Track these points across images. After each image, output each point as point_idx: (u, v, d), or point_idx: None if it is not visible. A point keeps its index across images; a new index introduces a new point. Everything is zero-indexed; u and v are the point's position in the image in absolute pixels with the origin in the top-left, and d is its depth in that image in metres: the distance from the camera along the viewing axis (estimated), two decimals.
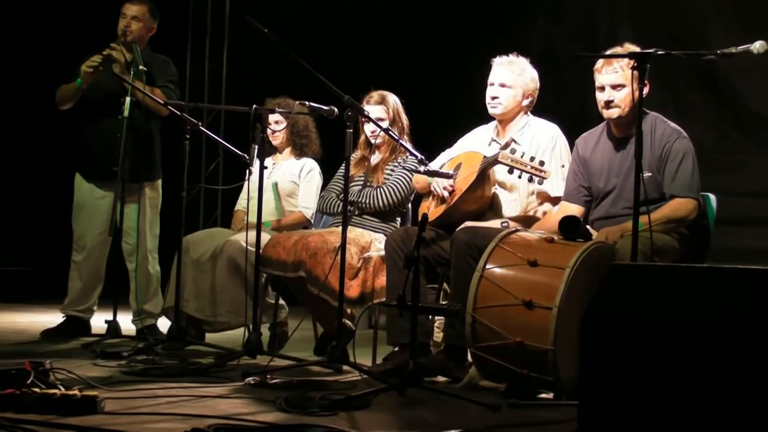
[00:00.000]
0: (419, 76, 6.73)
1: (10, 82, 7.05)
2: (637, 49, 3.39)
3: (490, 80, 4.03)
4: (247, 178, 4.39)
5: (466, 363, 3.66)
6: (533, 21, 6.61)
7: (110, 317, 4.63)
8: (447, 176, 3.92)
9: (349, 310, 4.42)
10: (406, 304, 3.19)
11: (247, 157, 4.28)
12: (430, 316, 3.97)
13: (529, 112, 4.08)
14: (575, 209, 3.81)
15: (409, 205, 4.56)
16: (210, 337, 4.58)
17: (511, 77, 3.99)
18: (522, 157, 3.65)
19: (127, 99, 4.47)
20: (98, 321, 4.82)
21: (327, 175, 4.85)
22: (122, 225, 4.67)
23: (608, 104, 3.66)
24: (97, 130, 4.74)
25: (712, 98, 5.75)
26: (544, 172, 3.62)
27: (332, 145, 4.62)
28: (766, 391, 2.14)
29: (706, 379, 2.24)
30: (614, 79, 3.64)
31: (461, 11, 6.86)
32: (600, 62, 3.70)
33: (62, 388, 2.73)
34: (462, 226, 3.80)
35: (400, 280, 3.61)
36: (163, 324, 4.78)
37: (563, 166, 3.93)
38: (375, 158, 4.56)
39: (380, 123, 4.25)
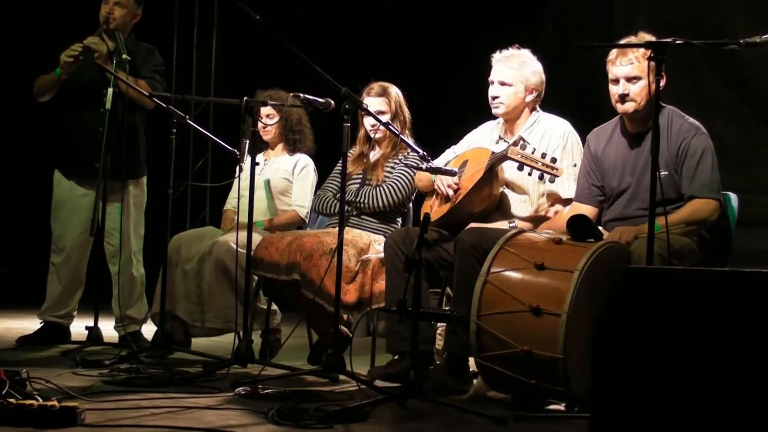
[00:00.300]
0: (423, 67, 6.74)
1: None
2: (653, 39, 3.38)
3: (490, 78, 4.04)
4: (237, 175, 4.39)
5: (468, 374, 3.66)
6: (543, 9, 6.61)
7: (91, 323, 4.64)
8: (451, 174, 3.92)
9: (345, 316, 4.43)
10: (407, 310, 3.20)
11: (237, 153, 4.28)
12: (432, 323, 3.97)
13: (538, 108, 4.08)
14: (588, 210, 3.81)
15: (411, 205, 4.56)
16: (198, 344, 4.59)
17: (510, 73, 3.99)
18: (533, 153, 3.66)
19: (110, 90, 4.47)
20: (78, 327, 4.83)
21: (322, 172, 4.86)
22: (104, 225, 4.69)
23: (623, 98, 3.66)
24: (78, 123, 4.75)
25: (735, 91, 5.76)
26: (557, 169, 3.62)
27: (328, 141, 4.63)
28: None
29: (730, 390, 2.24)
30: (629, 71, 3.63)
31: None
32: (613, 53, 3.69)
33: (40, 399, 2.74)
34: (467, 227, 3.81)
35: (401, 284, 3.61)
36: (148, 331, 4.79)
37: (575, 165, 3.93)
38: (375, 154, 4.56)
39: (381, 117, 4.26)
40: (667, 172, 3.58)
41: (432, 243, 3.84)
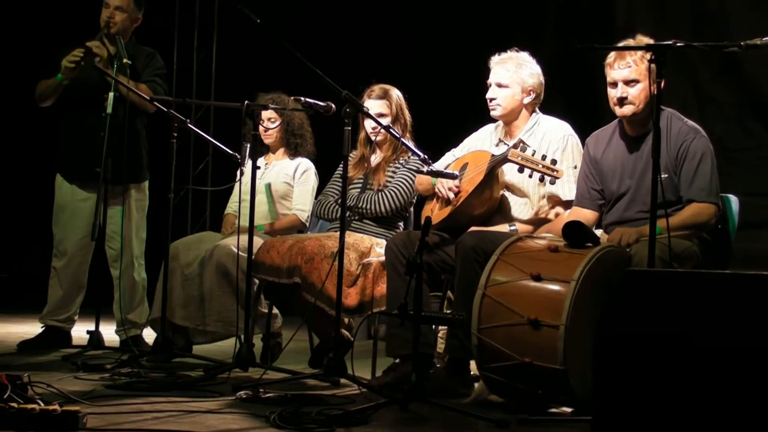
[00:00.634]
0: (423, 69, 6.74)
1: None
2: (652, 41, 3.39)
3: (488, 81, 4.05)
4: (238, 178, 4.39)
5: (469, 377, 3.67)
6: (544, 11, 6.62)
7: (92, 327, 4.64)
8: (452, 177, 3.93)
9: (347, 320, 4.43)
10: (408, 313, 3.21)
11: (238, 157, 4.28)
12: (434, 326, 3.97)
13: (537, 110, 4.09)
14: (588, 214, 3.82)
15: (412, 208, 4.56)
16: (199, 348, 4.59)
17: (507, 75, 4.01)
18: (533, 155, 3.67)
19: (111, 95, 4.47)
20: (80, 331, 4.83)
21: (323, 176, 4.86)
22: (106, 229, 4.69)
23: (621, 101, 3.67)
24: (79, 127, 4.75)
25: (735, 92, 5.76)
26: (557, 171, 3.64)
27: (329, 144, 4.63)
28: None
29: (732, 394, 2.24)
30: (627, 74, 3.65)
31: (469, 0, 6.86)
32: (611, 56, 3.70)
33: (41, 403, 2.75)
34: (468, 230, 3.81)
35: (402, 287, 3.62)
36: (149, 335, 4.79)
37: (575, 167, 3.94)
38: (375, 158, 4.56)
39: (382, 119, 4.26)
40: (666, 175, 3.59)
41: (433, 246, 3.85)
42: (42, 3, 7.25)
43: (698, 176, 3.60)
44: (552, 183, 3.74)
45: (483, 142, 4.18)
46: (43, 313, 4.83)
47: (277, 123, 4.87)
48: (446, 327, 3.91)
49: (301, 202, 4.81)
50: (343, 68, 4.70)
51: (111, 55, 4.63)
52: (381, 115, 4.39)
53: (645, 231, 3.33)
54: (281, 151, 4.95)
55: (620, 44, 3.67)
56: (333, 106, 3.85)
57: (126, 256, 4.76)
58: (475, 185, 3.86)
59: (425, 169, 3.98)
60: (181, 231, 6.29)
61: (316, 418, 2.95)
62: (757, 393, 2.22)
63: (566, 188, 3.93)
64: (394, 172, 4.47)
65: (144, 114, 4.85)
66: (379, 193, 4.42)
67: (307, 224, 4.83)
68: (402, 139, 4.06)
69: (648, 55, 3.27)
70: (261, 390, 3.44)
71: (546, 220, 3.96)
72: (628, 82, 3.65)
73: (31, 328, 5.03)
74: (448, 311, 4.00)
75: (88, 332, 4.65)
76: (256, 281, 4.30)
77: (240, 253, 4.23)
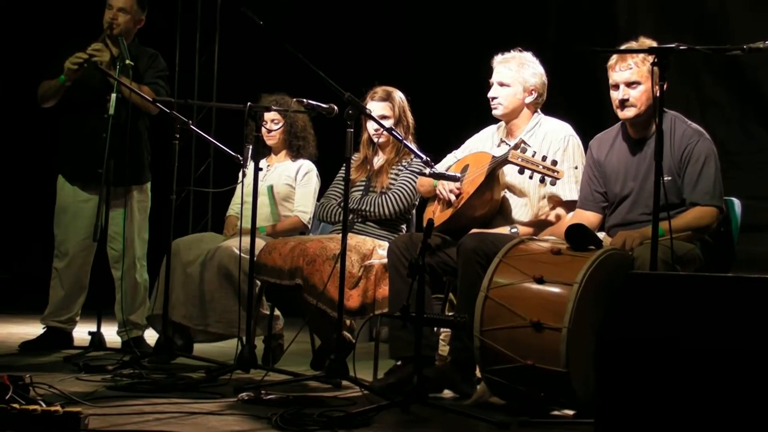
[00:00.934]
0: (426, 71, 6.75)
1: None
2: (654, 44, 3.39)
3: (490, 80, 4.06)
4: (240, 180, 4.39)
5: (473, 378, 3.67)
6: (546, 12, 6.62)
7: (94, 328, 4.64)
8: (454, 179, 3.93)
9: (348, 322, 4.43)
10: (410, 315, 3.21)
11: (240, 158, 4.29)
12: (435, 328, 3.97)
13: (539, 111, 4.10)
14: (592, 217, 3.82)
15: (414, 210, 4.56)
16: (200, 349, 4.59)
17: (509, 74, 4.02)
18: (533, 156, 3.67)
19: (113, 96, 4.48)
20: (81, 332, 4.84)
21: (325, 178, 4.86)
22: (108, 230, 4.69)
23: (623, 103, 3.68)
24: (81, 129, 4.76)
25: (737, 95, 5.76)
26: (557, 172, 3.64)
27: (331, 146, 4.63)
28: None
29: (735, 397, 2.24)
30: (628, 77, 3.65)
31: (471, 2, 6.86)
32: (613, 58, 3.70)
33: (43, 404, 2.75)
34: (469, 232, 3.82)
35: (404, 289, 3.62)
36: (151, 336, 4.80)
37: (576, 168, 3.94)
38: (378, 160, 4.57)
39: (384, 121, 4.26)
40: (670, 177, 3.59)
41: (435, 248, 3.85)
42: (44, 3, 7.25)
43: (702, 179, 3.60)
44: (552, 184, 3.74)
45: (484, 143, 4.18)
46: (44, 314, 4.84)
47: (280, 125, 4.88)
48: (448, 329, 3.92)
49: (303, 204, 4.81)
50: (345, 70, 4.71)
51: (113, 57, 4.63)
52: (384, 117, 4.39)
53: (648, 234, 3.33)
54: (283, 153, 4.95)
55: (622, 47, 3.67)
56: (335, 108, 3.85)
57: (128, 257, 4.76)
58: (476, 187, 3.86)
59: (427, 171, 3.99)
60: (183, 232, 6.26)
61: (317, 420, 2.95)
62: (760, 396, 2.22)
63: (567, 189, 3.94)
64: (396, 175, 4.47)
65: (146, 115, 4.85)
66: (383, 196, 4.42)
67: (309, 226, 4.83)
68: (404, 142, 4.07)
69: (650, 57, 3.27)
70: (263, 391, 3.44)
71: (547, 221, 3.97)
72: (629, 84, 3.66)
73: (33, 329, 5.03)
74: (450, 313, 4.01)
75: (90, 333, 4.65)
76: (258, 283, 4.30)
77: (242, 254, 4.22)
